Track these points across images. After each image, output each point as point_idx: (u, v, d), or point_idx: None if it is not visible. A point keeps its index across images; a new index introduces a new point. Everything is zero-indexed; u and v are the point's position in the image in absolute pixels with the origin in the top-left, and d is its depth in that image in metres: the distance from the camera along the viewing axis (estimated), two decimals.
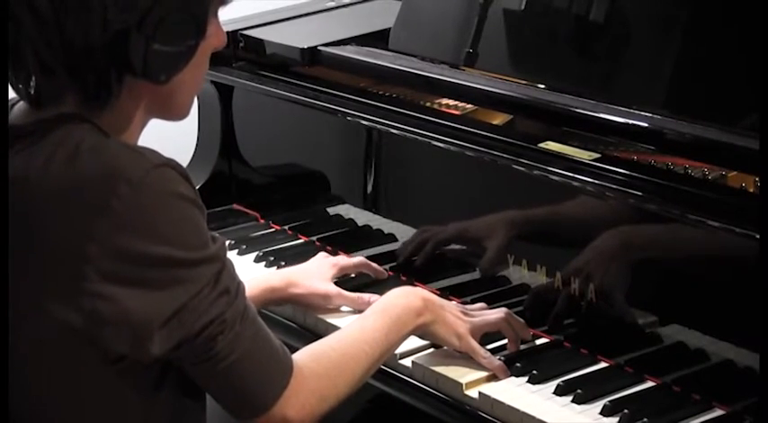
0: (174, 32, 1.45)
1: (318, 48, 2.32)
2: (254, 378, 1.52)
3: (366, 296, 1.99)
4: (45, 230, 1.42)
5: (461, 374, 1.81)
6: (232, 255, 2.26)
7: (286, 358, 1.56)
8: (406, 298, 1.78)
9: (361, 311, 1.82)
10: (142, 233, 1.41)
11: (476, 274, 2.04)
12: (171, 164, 1.45)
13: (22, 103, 1.52)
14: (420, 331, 1.79)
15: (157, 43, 1.44)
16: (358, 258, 2.09)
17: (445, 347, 1.85)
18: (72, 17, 1.42)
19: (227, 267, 1.50)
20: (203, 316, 1.45)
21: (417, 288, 1.90)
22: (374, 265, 2.09)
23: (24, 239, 1.44)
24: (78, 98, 1.47)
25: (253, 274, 2.18)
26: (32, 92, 1.48)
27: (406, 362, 1.86)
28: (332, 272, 2.02)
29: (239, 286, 1.52)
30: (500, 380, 1.79)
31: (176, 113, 1.58)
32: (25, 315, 1.45)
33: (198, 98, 2.03)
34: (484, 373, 1.80)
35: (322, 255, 2.10)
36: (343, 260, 2.07)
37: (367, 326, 1.70)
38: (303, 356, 1.60)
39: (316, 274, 2.00)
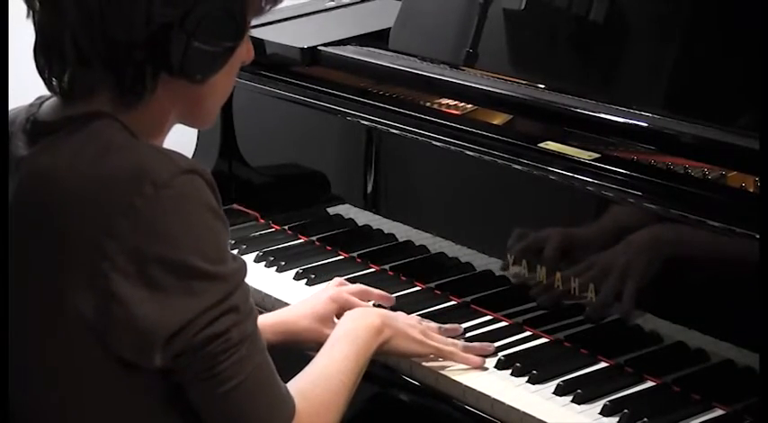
0: (215, 31, 1.45)
1: (318, 48, 2.32)
2: (253, 410, 1.48)
3: None
4: (68, 226, 1.42)
5: (461, 374, 1.81)
6: None
7: (290, 399, 1.53)
8: (364, 319, 1.77)
9: None
10: (161, 236, 1.40)
11: (475, 274, 2.05)
12: (199, 171, 1.44)
13: (51, 100, 1.52)
14: (382, 349, 1.77)
15: (198, 41, 1.44)
16: (356, 287, 1.97)
17: None
18: (116, 9, 1.42)
19: (242, 288, 1.47)
20: (207, 329, 1.43)
21: (369, 307, 1.90)
22: (375, 291, 1.99)
23: (47, 234, 1.44)
24: (111, 94, 1.46)
25: (253, 275, 2.17)
26: (66, 85, 1.48)
27: (406, 361, 1.86)
28: (332, 308, 1.89)
29: (251, 310, 1.49)
30: (500, 379, 1.80)
31: (204, 120, 1.58)
32: (41, 311, 1.45)
33: None
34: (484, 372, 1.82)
35: (325, 289, 1.96)
36: (339, 296, 1.92)
37: (336, 356, 1.68)
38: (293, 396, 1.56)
39: (310, 314, 1.88)
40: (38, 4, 1.46)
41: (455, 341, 1.88)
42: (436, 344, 1.84)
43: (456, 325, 1.93)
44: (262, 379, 1.49)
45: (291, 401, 1.53)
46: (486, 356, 1.85)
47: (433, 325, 1.90)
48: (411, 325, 1.84)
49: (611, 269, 1.82)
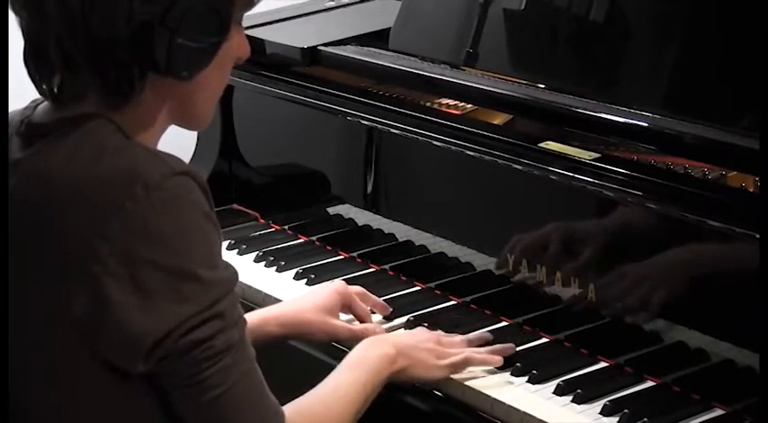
0: (198, 27, 1.45)
1: (319, 48, 2.32)
2: (239, 419, 1.46)
3: (371, 327, 1.93)
4: (63, 227, 1.42)
5: (461, 374, 1.81)
6: (232, 255, 2.26)
7: (279, 411, 1.52)
8: (378, 347, 1.75)
9: None
10: (151, 238, 1.40)
11: (475, 274, 2.04)
12: (192, 173, 1.43)
13: (45, 103, 1.52)
14: (398, 377, 1.76)
15: (181, 37, 1.43)
16: (356, 289, 1.98)
17: None
18: (98, 9, 1.42)
19: (231, 296, 1.46)
20: (190, 334, 1.41)
21: (386, 335, 1.89)
22: (373, 297, 2.00)
23: (43, 236, 1.44)
24: (100, 96, 1.46)
25: (253, 274, 2.18)
26: (55, 89, 1.48)
27: None
28: (336, 299, 1.92)
29: (239, 318, 1.47)
30: (500, 379, 1.80)
31: (198, 120, 1.56)
32: (40, 312, 1.45)
33: None
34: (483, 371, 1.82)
35: (324, 286, 1.99)
36: (345, 290, 1.95)
37: (344, 381, 1.67)
38: (290, 412, 1.54)
39: (313, 306, 1.90)
40: (23, 11, 1.46)
41: (474, 349, 1.84)
42: (451, 361, 1.80)
43: (484, 333, 1.89)
44: (249, 388, 1.47)
45: (281, 413, 1.52)
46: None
47: (457, 338, 1.87)
48: (428, 349, 1.80)
49: (611, 269, 1.82)
